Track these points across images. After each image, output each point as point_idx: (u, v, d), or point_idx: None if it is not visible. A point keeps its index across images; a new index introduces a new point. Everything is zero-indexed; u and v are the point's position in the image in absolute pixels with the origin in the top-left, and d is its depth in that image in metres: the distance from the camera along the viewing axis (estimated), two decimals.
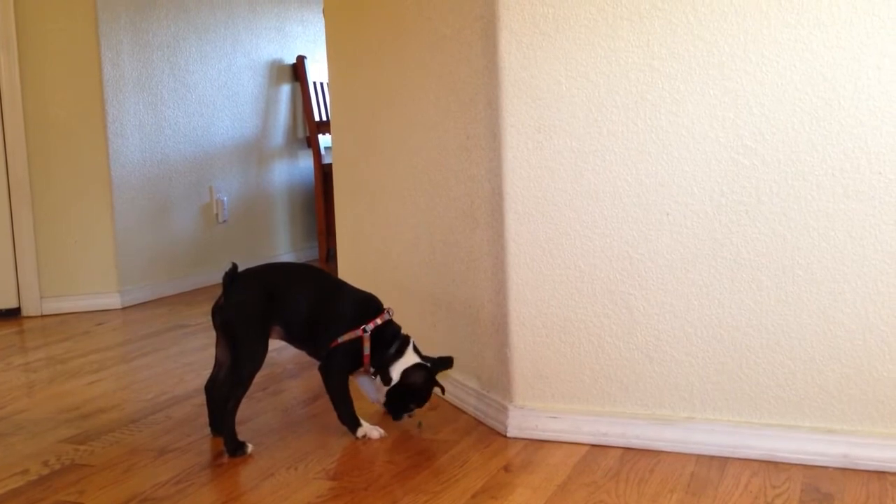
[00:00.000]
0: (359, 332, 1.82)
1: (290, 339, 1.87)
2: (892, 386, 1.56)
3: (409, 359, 1.84)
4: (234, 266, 1.81)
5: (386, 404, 1.88)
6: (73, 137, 3.57)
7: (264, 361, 1.81)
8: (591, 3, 1.69)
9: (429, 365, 1.86)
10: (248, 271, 1.85)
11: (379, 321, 1.84)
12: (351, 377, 1.89)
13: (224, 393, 1.81)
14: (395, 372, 1.83)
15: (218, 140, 4.27)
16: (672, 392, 1.72)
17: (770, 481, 1.55)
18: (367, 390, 1.97)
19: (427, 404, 1.90)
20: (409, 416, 1.91)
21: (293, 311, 1.83)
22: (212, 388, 1.88)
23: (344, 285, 1.93)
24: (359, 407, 1.88)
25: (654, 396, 1.73)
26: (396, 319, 1.89)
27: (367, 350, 1.82)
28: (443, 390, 1.88)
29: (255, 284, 1.82)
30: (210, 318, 1.86)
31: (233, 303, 1.79)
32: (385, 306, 1.89)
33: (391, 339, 1.85)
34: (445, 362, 1.90)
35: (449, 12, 1.97)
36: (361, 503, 1.53)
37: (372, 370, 1.85)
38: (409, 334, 1.89)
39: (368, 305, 1.87)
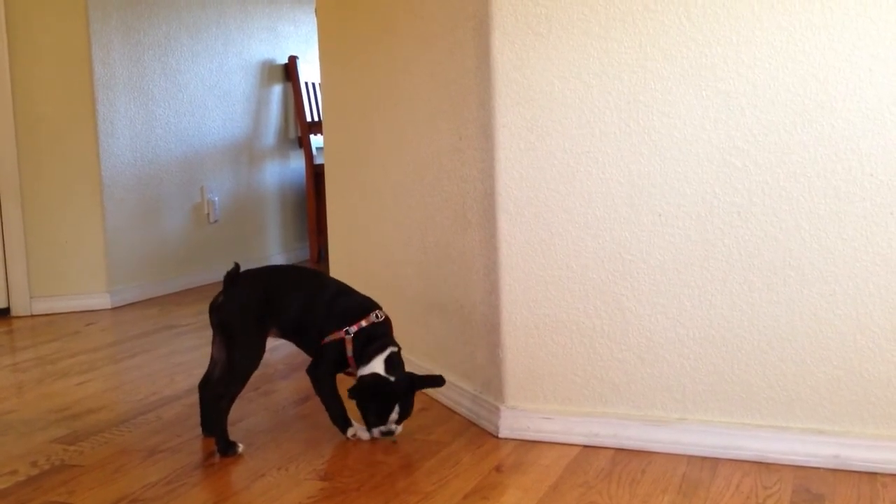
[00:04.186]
0: (341, 334, 1.81)
1: (288, 339, 1.88)
2: (882, 387, 1.57)
3: (373, 367, 1.76)
4: (237, 266, 1.81)
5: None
6: (64, 137, 3.55)
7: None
8: (584, 4, 1.69)
9: (391, 380, 1.75)
10: (249, 272, 1.85)
11: (364, 323, 1.81)
12: (345, 376, 1.88)
13: (218, 391, 1.80)
14: (357, 378, 1.79)
15: (209, 140, 4.26)
16: (664, 393, 1.72)
17: (761, 482, 1.55)
18: None
19: (396, 420, 1.78)
20: (388, 436, 1.80)
21: (290, 313, 1.83)
22: (206, 386, 1.88)
23: (342, 287, 1.90)
24: (350, 407, 1.88)
25: (646, 397, 1.73)
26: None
27: (349, 352, 1.81)
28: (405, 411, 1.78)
29: (256, 286, 1.82)
30: (206, 316, 1.86)
31: (232, 303, 1.79)
32: (376, 310, 1.83)
33: (373, 342, 1.79)
34: (429, 380, 1.80)
35: (441, 12, 1.97)
36: None
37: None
38: (399, 345, 1.81)
39: (357, 308, 1.84)
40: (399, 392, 1.76)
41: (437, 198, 2.05)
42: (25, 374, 2.57)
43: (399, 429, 1.81)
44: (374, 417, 1.78)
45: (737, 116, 1.61)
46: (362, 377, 1.77)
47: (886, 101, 1.52)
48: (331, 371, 1.84)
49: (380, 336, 1.81)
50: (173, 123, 4.03)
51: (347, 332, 1.80)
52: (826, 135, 1.56)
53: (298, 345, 1.90)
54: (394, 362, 1.78)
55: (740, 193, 1.62)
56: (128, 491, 1.61)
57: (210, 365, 1.88)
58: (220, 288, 1.83)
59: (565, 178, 1.74)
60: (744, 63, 1.59)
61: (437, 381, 1.80)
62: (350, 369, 1.85)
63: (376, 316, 1.82)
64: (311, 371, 1.84)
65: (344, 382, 1.87)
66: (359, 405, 1.80)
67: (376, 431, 1.80)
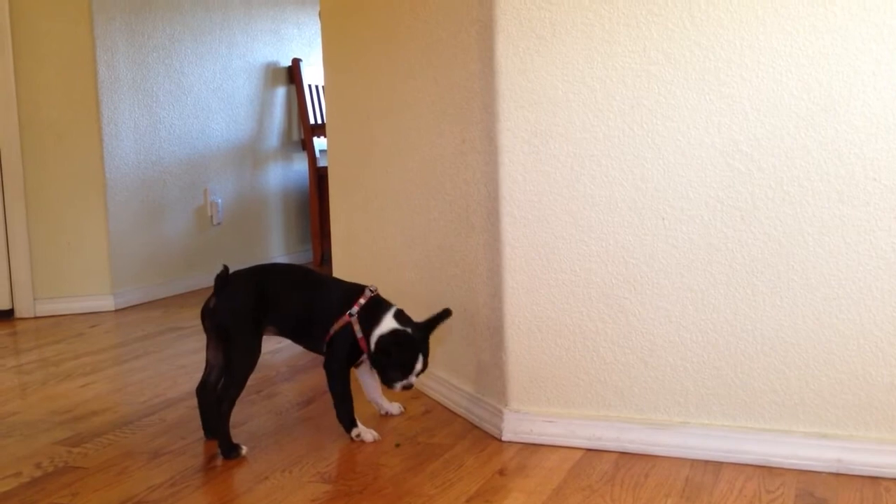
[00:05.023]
0: (346, 318, 1.82)
1: (285, 336, 1.88)
2: (885, 391, 1.57)
3: (386, 325, 1.80)
4: (226, 268, 1.81)
5: (380, 378, 1.85)
6: (68, 139, 3.56)
7: (258, 363, 1.81)
8: (588, 8, 1.69)
9: (409, 330, 1.80)
10: (239, 273, 1.85)
11: (362, 301, 1.83)
12: (356, 375, 1.89)
13: (217, 395, 1.81)
14: (373, 341, 1.81)
15: (213, 142, 4.27)
16: (667, 397, 1.72)
17: (764, 486, 1.55)
18: (366, 386, 1.97)
19: (419, 370, 1.80)
20: (407, 389, 1.81)
21: (284, 310, 1.84)
22: (203, 391, 1.88)
23: (332, 279, 1.95)
24: (357, 408, 1.88)
25: (649, 401, 1.73)
26: None
27: (359, 333, 1.82)
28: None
29: (247, 286, 1.83)
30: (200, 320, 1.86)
31: (226, 305, 1.79)
32: (367, 287, 1.86)
33: (378, 314, 1.82)
34: (438, 317, 1.83)
35: (445, 16, 1.97)
36: None
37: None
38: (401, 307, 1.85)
39: (352, 291, 1.86)
40: (421, 341, 1.80)
41: (441, 201, 2.05)
42: (29, 376, 2.57)
43: (415, 382, 1.83)
44: (398, 372, 1.80)
45: (740, 120, 1.61)
46: (382, 336, 1.80)
47: (890, 106, 1.52)
48: (345, 365, 1.85)
49: (381, 306, 1.84)
50: (177, 126, 4.03)
51: (351, 315, 1.81)
52: (829, 139, 1.56)
53: (299, 342, 1.91)
54: (403, 316, 1.83)
55: (744, 197, 1.62)
56: (131, 493, 1.62)
57: (206, 369, 1.88)
58: None
59: (569, 182, 1.74)
60: (747, 67, 1.59)
61: (444, 313, 1.84)
62: (362, 359, 1.85)
63: (370, 291, 1.85)
64: (327, 366, 1.86)
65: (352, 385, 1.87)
66: (380, 364, 1.81)
67: (398, 386, 1.81)
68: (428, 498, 1.55)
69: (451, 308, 2.00)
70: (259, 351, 1.81)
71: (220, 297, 1.80)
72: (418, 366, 1.80)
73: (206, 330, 1.85)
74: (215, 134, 4.28)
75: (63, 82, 3.54)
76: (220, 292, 1.80)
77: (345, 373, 1.85)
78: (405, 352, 1.79)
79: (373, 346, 1.81)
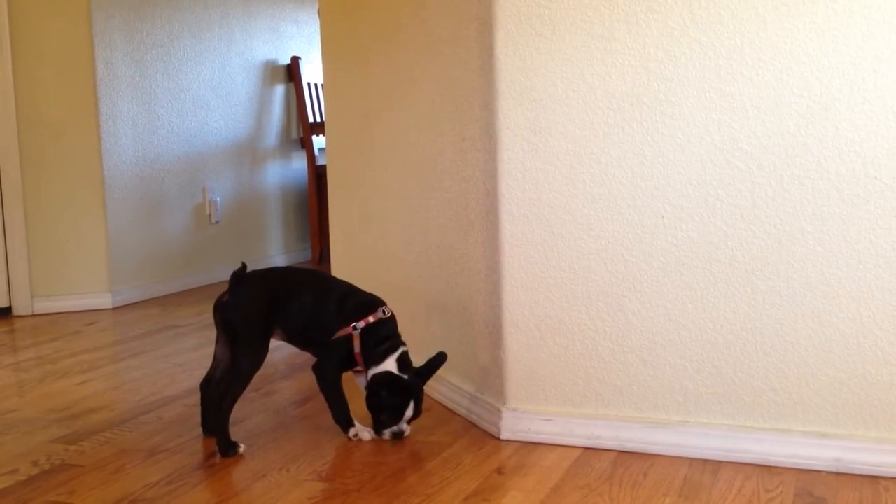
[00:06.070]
0: (349, 330, 1.81)
1: (292, 342, 1.87)
2: (885, 390, 1.56)
3: (386, 366, 1.79)
4: (244, 266, 1.81)
5: (372, 422, 1.85)
6: (66, 137, 3.55)
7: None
8: (588, 6, 1.68)
9: (405, 377, 1.79)
10: (256, 273, 1.85)
11: (371, 319, 1.82)
12: (351, 375, 1.88)
13: (220, 391, 1.80)
14: (370, 377, 1.82)
15: (211, 140, 4.26)
16: (666, 395, 1.71)
17: (763, 485, 1.55)
18: (362, 386, 1.97)
19: (409, 419, 1.82)
20: (398, 438, 1.83)
21: (294, 316, 1.83)
22: (207, 385, 1.87)
23: (347, 289, 1.90)
24: (353, 409, 1.87)
25: (648, 399, 1.73)
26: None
27: (356, 347, 1.81)
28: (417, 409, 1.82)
29: (262, 287, 1.82)
30: (208, 316, 1.86)
31: (237, 302, 1.79)
32: (382, 306, 1.85)
33: (382, 341, 1.82)
34: (433, 364, 1.83)
35: (445, 14, 1.97)
36: None
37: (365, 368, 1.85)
38: (405, 342, 1.84)
39: (365, 305, 1.85)
40: (414, 388, 1.80)
41: (440, 199, 2.05)
42: (26, 374, 2.57)
43: (408, 430, 1.84)
44: (388, 417, 1.81)
45: (740, 118, 1.60)
46: (375, 376, 1.79)
47: (890, 104, 1.51)
48: (336, 369, 1.84)
49: (388, 334, 1.83)
50: (175, 123, 4.03)
51: (355, 328, 1.81)
52: (829, 137, 1.55)
53: (304, 347, 1.90)
54: (405, 362, 1.82)
55: (743, 195, 1.62)
56: (128, 491, 1.61)
57: (213, 364, 1.88)
58: (222, 288, 1.83)
59: (568, 180, 1.74)
60: (747, 65, 1.59)
61: (440, 359, 1.83)
62: (357, 367, 1.85)
63: (383, 312, 1.84)
64: (317, 368, 1.84)
65: (348, 384, 1.87)
66: (371, 405, 1.82)
67: (387, 433, 1.83)
68: (425, 496, 1.54)
69: (450, 306, 2.00)
70: (265, 352, 1.80)
71: (232, 293, 1.80)
72: (408, 413, 1.81)
73: (217, 324, 1.85)
74: (214, 132, 4.28)
75: (61, 80, 3.53)
76: (233, 289, 1.80)
77: (335, 377, 1.84)
78: (397, 397, 1.79)
79: (367, 385, 1.81)
